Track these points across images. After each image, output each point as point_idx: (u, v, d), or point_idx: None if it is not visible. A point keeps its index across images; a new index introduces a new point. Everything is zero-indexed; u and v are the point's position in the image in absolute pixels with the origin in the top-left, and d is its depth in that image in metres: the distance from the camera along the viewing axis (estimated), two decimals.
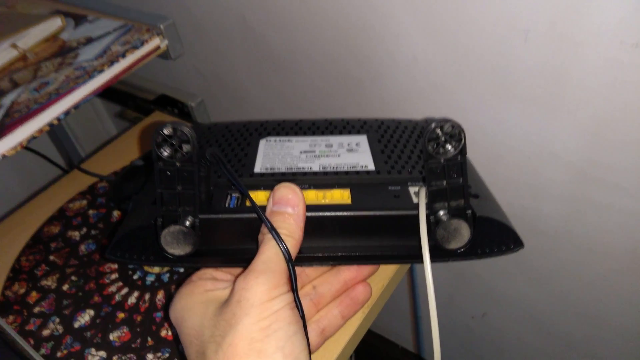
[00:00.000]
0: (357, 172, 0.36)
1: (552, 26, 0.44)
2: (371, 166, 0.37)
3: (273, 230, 0.29)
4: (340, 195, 0.33)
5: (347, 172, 0.36)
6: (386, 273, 0.43)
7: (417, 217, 0.30)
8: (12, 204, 0.69)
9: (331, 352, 0.38)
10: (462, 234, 0.30)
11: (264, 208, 0.31)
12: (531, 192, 0.58)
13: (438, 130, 0.29)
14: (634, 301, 0.60)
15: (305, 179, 0.35)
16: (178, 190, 0.30)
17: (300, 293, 0.35)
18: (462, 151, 0.29)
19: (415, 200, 0.32)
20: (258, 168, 0.37)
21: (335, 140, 0.41)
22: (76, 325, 0.43)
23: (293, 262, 0.29)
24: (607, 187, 0.52)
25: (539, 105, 0.50)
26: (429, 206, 0.31)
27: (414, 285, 0.82)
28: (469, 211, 0.30)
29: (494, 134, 0.54)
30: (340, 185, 0.34)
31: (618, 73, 0.44)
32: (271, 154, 0.39)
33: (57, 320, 0.44)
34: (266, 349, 0.26)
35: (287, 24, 0.59)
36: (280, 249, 0.28)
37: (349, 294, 0.35)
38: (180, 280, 0.46)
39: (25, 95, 0.46)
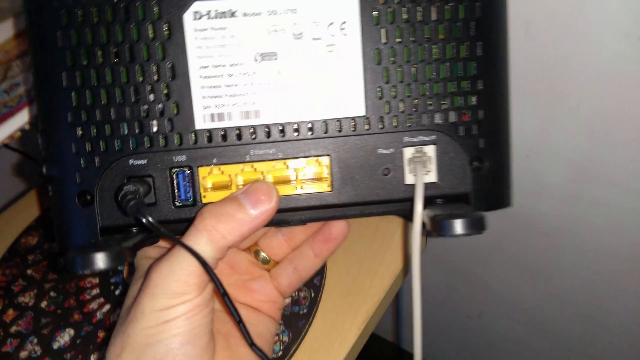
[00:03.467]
0: (340, 124, 0.27)
1: (554, 17, 0.42)
2: (361, 106, 0.27)
3: (185, 246, 0.25)
4: (319, 175, 0.27)
5: (325, 122, 0.27)
6: (382, 286, 0.40)
7: (410, 200, 0.26)
8: None
9: None
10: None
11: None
12: (529, 191, 0.57)
13: None
14: (634, 302, 0.59)
15: (267, 143, 0.27)
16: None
17: (268, 234, 0.33)
18: None
19: (408, 180, 0.27)
20: (199, 118, 0.26)
21: (303, 22, 0.26)
22: (55, 346, 0.41)
23: (213, 271, 0.24)
24: (608, 185, 0.51)
25: (539, 101, 0.48)
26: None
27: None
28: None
29: None
30: (318, 150, 0.27)
31: (623, 67, 0.43)
32: (211, 68, 0.26)
33: (35, 340, 0.41)
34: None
35: None
36: (198, 260, 0.24)
37: (322, 231, 0.32)
38: None
39: None
